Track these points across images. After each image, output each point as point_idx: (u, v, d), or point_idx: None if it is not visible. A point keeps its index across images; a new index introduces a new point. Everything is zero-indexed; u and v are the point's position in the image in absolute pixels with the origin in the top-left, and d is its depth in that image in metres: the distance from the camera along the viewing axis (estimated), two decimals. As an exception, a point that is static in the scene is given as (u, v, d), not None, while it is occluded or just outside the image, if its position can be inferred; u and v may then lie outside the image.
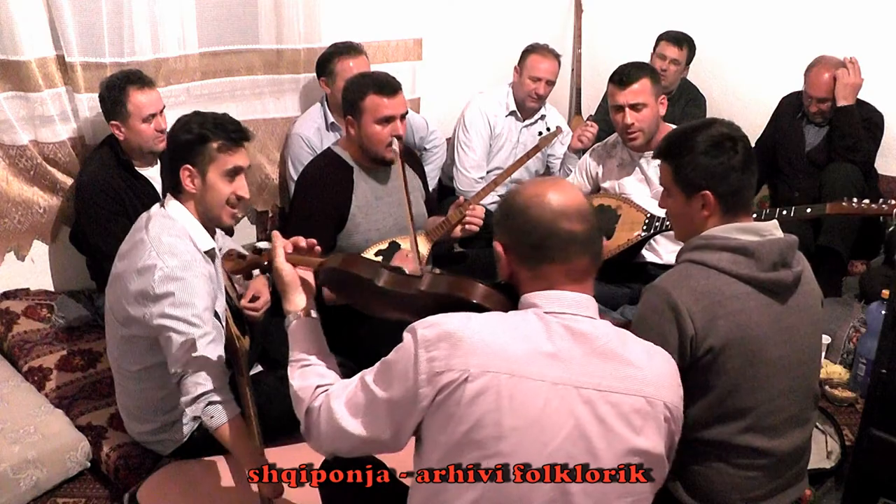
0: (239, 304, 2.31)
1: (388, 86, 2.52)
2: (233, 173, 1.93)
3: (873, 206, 2.44)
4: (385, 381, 1.26)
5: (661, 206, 1.75)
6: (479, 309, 1.32)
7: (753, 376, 1.54)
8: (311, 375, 1.41)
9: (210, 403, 1.80)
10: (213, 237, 2.00)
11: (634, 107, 2.70)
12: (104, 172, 2.61)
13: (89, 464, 2.23)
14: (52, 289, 2.91)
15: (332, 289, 1.54)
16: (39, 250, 2.86)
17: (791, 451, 1.62)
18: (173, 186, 1.96)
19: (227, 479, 1.91)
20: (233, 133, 1.92)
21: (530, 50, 3.49)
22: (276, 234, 1.58)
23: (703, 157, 1.57)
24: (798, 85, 3.37)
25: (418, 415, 1.22)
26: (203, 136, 1.89)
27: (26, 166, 2.68)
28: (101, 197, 2.57)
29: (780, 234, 1.59)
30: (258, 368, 2.48)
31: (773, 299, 1.56)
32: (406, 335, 1.25)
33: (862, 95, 3.29)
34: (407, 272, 1.44)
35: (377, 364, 1.30)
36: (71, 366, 2.52)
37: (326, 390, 1.36)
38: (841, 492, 2.07)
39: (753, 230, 1.56)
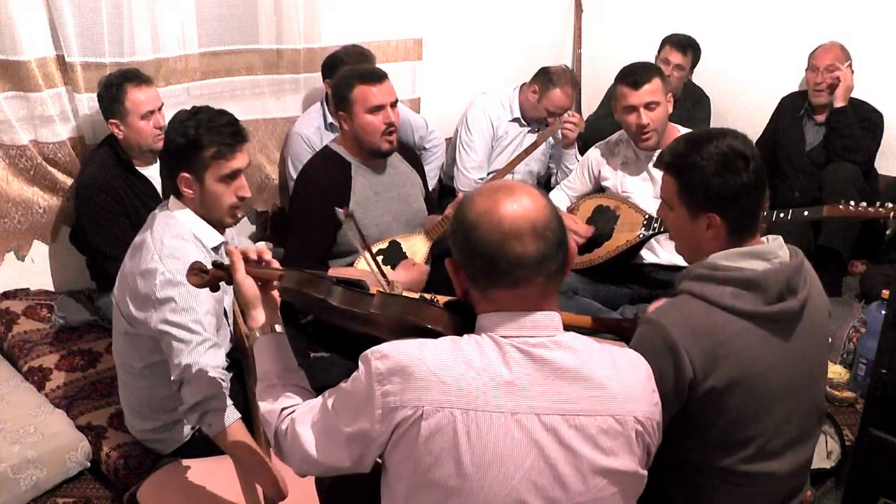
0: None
1: (374, 75, 2.56)
2: (231, 177, 1.90)
3: (870, 209, 2.42)
4: (342, 411, 1.23)
5: (659, 215, 1.67)
6: (433, 333, 1.26)
7: (756, 409, 1.47)
8: (276, 397, 1.38)
9: (207, 412, 1.77)
10: (222, 232, 1.99)
11: (649, 106, 2.68)
12: (104, 172, 2.61)
13: (89, 464, 2.23)
14: (52, 289, 2.91)
15: (298, 306, 1.50)
16: (39, 250, 2.86)
17: (794, 469, 1.57)
18: (172, 191, 1.94)
19: (227, 479, 1.91)
20: (228, 138, 1.87)
21: (554, 82, 3.38)
22: (232, 248, 1.51)
23: (712, 179, 1.46)
24: (798, 85, 3.38)
25: (377, 448, 1.20)
26: (197, 142, 1.84)
27: (26, 166, 2.69)
28: (101, 196, 2.57)
29: (785, 254, 1.50)
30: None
31: (778, 329, 1.47)
32: (360, 365, 1.21)
33: (861, 95, 3.29)
34: (368, 288, 1.38)
35: (336, 389, 1.26)
36: (71, 366, 2.52)
37: (292, 412, 1.33)
38: (841, 492, 2.07)
39: (758, 254, 1.47)
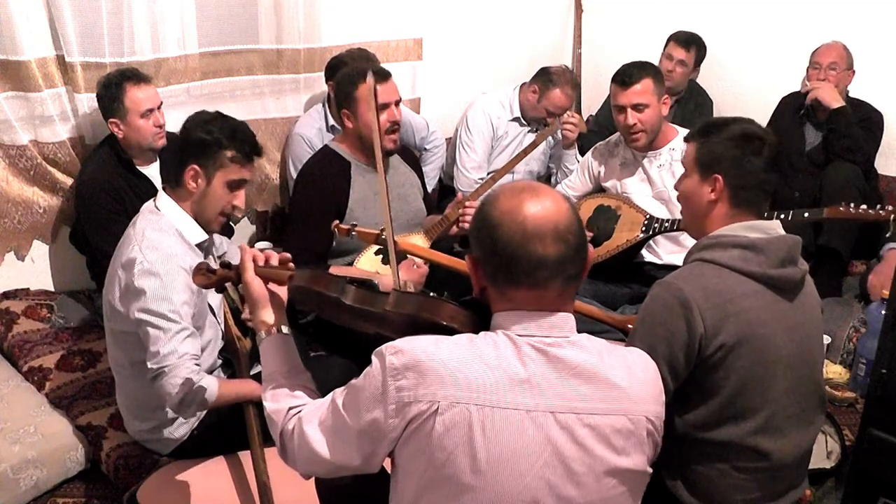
0: (241, 308, 2.30)
1: (379, 73, 2.56)
2: (237, 185, 1.94)
3: (871, 211, 2.43)
4: (353, 407, 1.21)
5: (676, 188, 1.77)
6: (448, 330, 1.26)
7: (762, 375, 1.54)
8: (282, 397, 1.37)
9: (195, 401, 1.79)
10: (207, 231, 2.00)
11: (636, 107, 2.69)
12: (104, 172, 2.61)
13: (89, 464, 2.23)
14: (52, 289, 2.91)
15: (305, 306, 1.49)
16: (39, 250, 2.86)
17: (795, 453, 1.61)
18: (173, 180, 1.95)
19: (226, 479, 1.91)
20: (248, 148, 1.93)
21: (554, 82, 3.38)
22: (244, 246, 1.52)
23: (727, 143, 1.63)
24: (799, 85, 3.37)
25: (388, 444, 1.19)
26: (220, 141, 1.90)
27: (26, 166, 2.68)
28: (101, 196, 2.57)
29: (783, 232, 1.61)
30: (259, 368, 2.47)
31: (782, 297, 1.57)
32: (374, 360, 1.20)
33: (861, 95, 3.29)
34: (380, 288, 1.38)
35: (347, 386, 1.25)
36: (71, 366, 2.52)
37: (299, 412, 1.32)
38: (841, 492, 2.07)
39: (760, 228, 1.59)
